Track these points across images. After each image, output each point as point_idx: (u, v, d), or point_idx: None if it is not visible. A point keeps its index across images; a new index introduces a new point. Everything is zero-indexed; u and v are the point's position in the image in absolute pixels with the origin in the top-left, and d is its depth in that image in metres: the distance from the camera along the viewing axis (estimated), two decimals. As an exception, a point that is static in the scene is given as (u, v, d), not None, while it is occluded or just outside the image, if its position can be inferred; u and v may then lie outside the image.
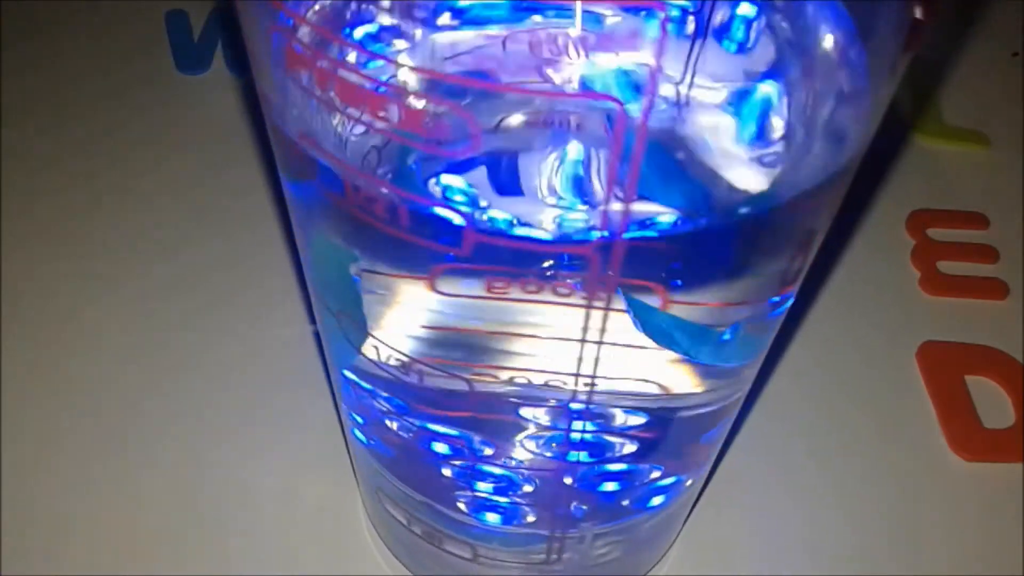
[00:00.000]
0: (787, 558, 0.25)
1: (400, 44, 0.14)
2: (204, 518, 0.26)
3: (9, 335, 0.29)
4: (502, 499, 0.19)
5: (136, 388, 0.28)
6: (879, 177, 0.35)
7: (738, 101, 0.14)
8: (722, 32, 0.14)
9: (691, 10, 0.13)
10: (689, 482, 0.21)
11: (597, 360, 0.15)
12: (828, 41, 0.14)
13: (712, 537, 0.26)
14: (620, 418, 0.17)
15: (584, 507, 0.19)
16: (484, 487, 0.19)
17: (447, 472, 0.19)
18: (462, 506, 0.19)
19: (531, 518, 0.19)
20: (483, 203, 0.13)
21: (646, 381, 0.16)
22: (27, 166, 0.35)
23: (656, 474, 0.19)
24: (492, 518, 0.19)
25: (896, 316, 0.31)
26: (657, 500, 0.20)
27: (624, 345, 0.15)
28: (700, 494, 0.24)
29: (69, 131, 0.36)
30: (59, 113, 0.37)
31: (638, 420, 0.17)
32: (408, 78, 0.13)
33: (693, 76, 0.13)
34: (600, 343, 0.14)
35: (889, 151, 0.36)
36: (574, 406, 0.16)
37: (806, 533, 0.26)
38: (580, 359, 0.15)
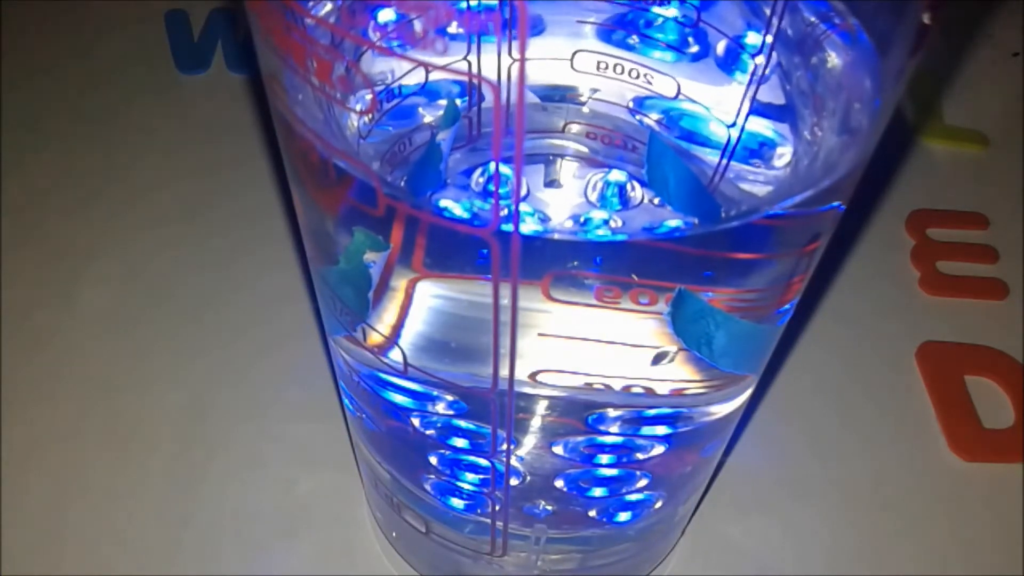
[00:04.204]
0: (788, 558, 0.25)
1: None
2: (203, 516, 0.26)
3: (10, 333, 0.29)
4: (465, 484, 0.19)
5: (137, 384, 0.28)
6: (879, 177, 0.35)
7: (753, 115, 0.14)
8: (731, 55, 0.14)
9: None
10: (668, 505, 0.21)
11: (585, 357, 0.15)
12: (840, 55, 0.14)
13: (713, 537, 0.26)
14: (619, 422, 0.17)
15: (550, 508, 0.19)
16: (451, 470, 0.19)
17: (433, 460, 0.19)
18: (427, 486, 0.19)
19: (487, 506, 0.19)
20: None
21: (650, 380, 0.16)
22: (27, 166, 0.35)
23: (642, 482, 0.19)
24: (452, 500, 0.19)
25: (896, 316, 0.31)
26: (624, 516, 0.20)
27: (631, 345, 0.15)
28: (703, 495, 0.24)
29: (69, 131, 0.36)
30: (59, 113, 0.37)
31: (641, 427, 0.17)
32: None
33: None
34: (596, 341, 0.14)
35: (889, 151, 0.36)
36: (544, 403, 0.16)
37: (806, 533, 0.26)
38: (575, 357, 0.15)
